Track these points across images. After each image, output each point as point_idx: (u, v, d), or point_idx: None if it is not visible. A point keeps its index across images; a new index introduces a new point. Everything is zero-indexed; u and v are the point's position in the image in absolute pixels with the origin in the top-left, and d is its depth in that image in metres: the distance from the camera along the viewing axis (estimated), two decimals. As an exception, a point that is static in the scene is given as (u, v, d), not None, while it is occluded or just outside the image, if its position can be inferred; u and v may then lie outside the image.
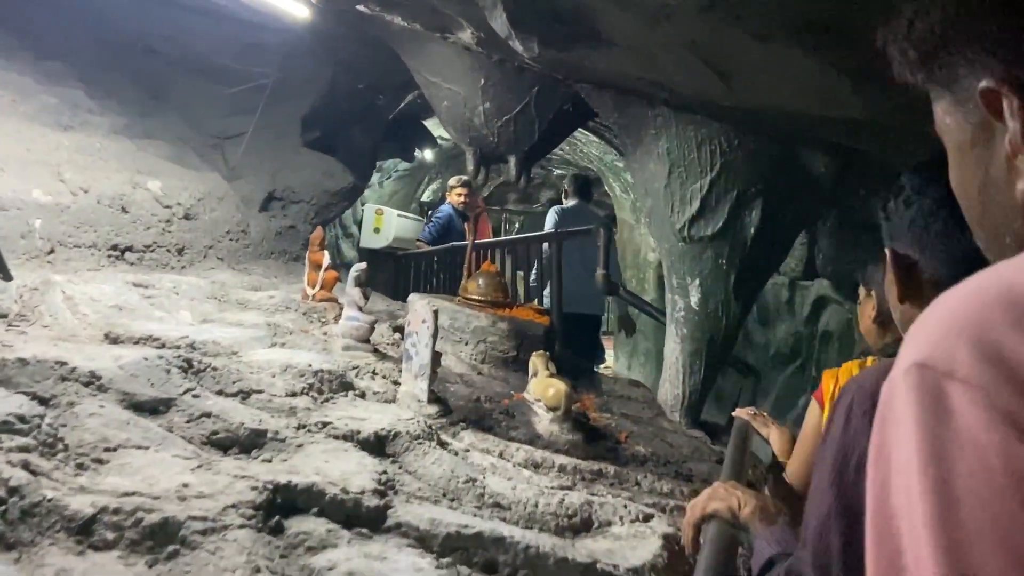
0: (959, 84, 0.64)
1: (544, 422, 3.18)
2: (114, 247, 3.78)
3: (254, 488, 1.71)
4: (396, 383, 3.16)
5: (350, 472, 1.98)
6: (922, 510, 0.42)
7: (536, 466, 2.84)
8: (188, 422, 2.08)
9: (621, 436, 3.53)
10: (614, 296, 4.80)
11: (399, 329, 3.99)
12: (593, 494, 2.66)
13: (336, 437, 2.24)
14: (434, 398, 3.01)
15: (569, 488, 2.63)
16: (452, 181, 8.45)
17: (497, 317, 4.06)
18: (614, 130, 4.10)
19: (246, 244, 4.85)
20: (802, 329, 6.58)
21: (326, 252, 4.02)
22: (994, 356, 0.43)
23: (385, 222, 11.34)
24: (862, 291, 1.78)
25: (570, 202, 5.91)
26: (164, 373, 2.19)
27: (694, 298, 3.80)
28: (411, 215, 12.34)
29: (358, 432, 2.30)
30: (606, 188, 8.82)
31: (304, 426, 2.22)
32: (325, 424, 2.26)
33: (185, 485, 1.63)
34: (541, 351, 3.43)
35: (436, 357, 3.00)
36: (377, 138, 7.06)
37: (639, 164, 3.93)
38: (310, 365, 2.70)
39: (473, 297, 4.21)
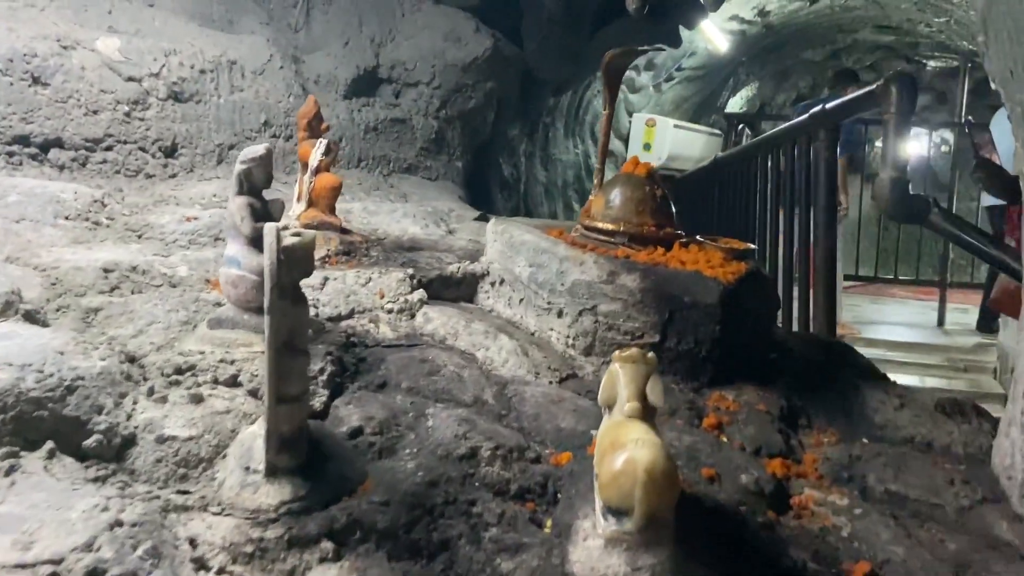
0: None
1: (593, 542, 1.31)
2: (20, 139, 2.59)
3: None
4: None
5: None
6: None
7: None
8: None
9: (856, 570, 1.54)
10: (918, 222, 2.54)
11: (428, 282, 2.32)
12: None
13: None
14: (289, 464, 1.31)
15: None
16: None
17: (628, 264, 2.17)
18: None
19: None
20: None
21: (323, 141, 2.43)
22: None
23: (658, 136, 9.57)
24: None
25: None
26: None
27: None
28: (696, 126, 10.29)
29: None
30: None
31: None
32: None
33: None
34: (632, 349, 1.51)
35: (287, 358, 1.29)
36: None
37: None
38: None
39: (598, 225, 2.34)
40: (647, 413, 1.47)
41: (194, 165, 3.08)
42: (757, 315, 2.32)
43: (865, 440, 2.12)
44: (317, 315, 2.03)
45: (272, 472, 1.29)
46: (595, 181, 2.56)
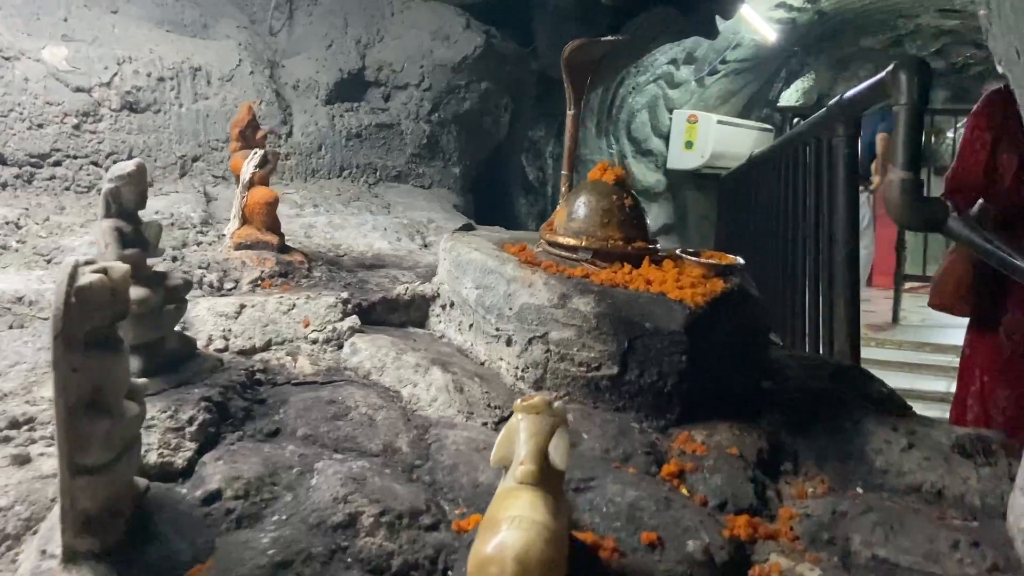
0: None
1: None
2: (-48, 158, 2.48)
3: None
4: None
5: None
6: None
7: None
8: None
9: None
10: (934, 230, 2.23)
11: (369, 306, 2.12)
12: None
13: None
14: (94, 547, 1.12)
15: None
16: None
17: (582, 285, 1.93)
18: None
19: (282, 155, 3.29)
20: None
21: (257, 152, 2.25)
22: None
23: (700, 133, 9.29)
24: None
25: None
26: None
27: None
28: (743, 121, 9.90)
29: None
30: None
31: None
32: None
33: None
34: (536, 397, 1.28)
35: (85, 421, 1.10)
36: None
37: None
38: None
39: (559, 240, 2.11)
40: (547, 478, 1.24)
41: (154, 179, 2.93)
42: (740, 340, 2.04)
43: (860, 489, 1.82)
44: (226, 348, 1.84)
45: (70, 558, 1.09)
46: (562, 190, 2.32)
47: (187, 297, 1.68)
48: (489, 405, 1.83)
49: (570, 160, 2.32)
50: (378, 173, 3.60)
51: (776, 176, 4.32)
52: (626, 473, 1.67)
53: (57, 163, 2.73)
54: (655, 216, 9.26)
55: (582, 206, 2.13)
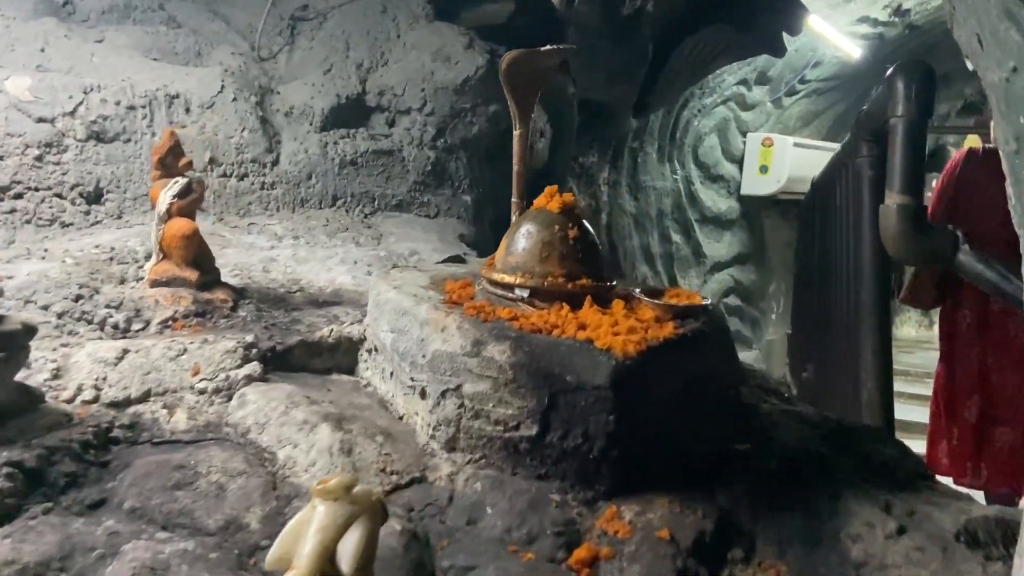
0: None
1: None
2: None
3: None
4: None
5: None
6: None
7: None
8: None
9: None
10: (941, 264, 1.86)
11: (284, 351, 1.93)
12: None
13: None
14: None
15: None
16: None
17: (498, 330, 1.68)
18: None
19: (267, 184, 3.16)
20: None
21: (177, 181, 2.09)
22: None
23: (776, 157, 8.80)
24: None
25: None
26: None
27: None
28: (823, 144, 9.37)
29: None
30: None
31: None
32: None
33: None
34: (333, 481, 1.03)
35: None
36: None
37: None
38: None
39: (495, 277, 1.87)
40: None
41: (122, 211, 2.83)
42: (696, 395, 1.73)
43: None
44: (97, 398, 1.66)
45: None
46: (513, 220, 2.06)
47: (31, 343, 1.52)
48: (384, 470, 1.59)
49: (520, 185, 2.07)
50: (376, 202, 3.42)
51: (820, 204, 3.93)
52: (519, 560, 1.40)
53: (18, 195, 2.66)
54: (728, 244, 8.82)
55: (522, 238, 1.87)
